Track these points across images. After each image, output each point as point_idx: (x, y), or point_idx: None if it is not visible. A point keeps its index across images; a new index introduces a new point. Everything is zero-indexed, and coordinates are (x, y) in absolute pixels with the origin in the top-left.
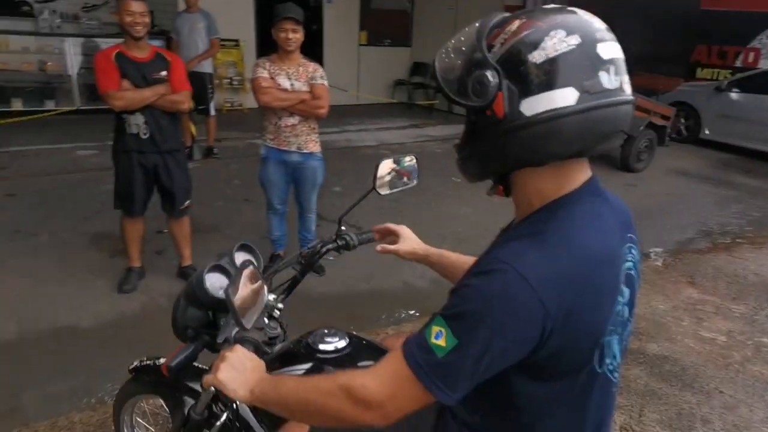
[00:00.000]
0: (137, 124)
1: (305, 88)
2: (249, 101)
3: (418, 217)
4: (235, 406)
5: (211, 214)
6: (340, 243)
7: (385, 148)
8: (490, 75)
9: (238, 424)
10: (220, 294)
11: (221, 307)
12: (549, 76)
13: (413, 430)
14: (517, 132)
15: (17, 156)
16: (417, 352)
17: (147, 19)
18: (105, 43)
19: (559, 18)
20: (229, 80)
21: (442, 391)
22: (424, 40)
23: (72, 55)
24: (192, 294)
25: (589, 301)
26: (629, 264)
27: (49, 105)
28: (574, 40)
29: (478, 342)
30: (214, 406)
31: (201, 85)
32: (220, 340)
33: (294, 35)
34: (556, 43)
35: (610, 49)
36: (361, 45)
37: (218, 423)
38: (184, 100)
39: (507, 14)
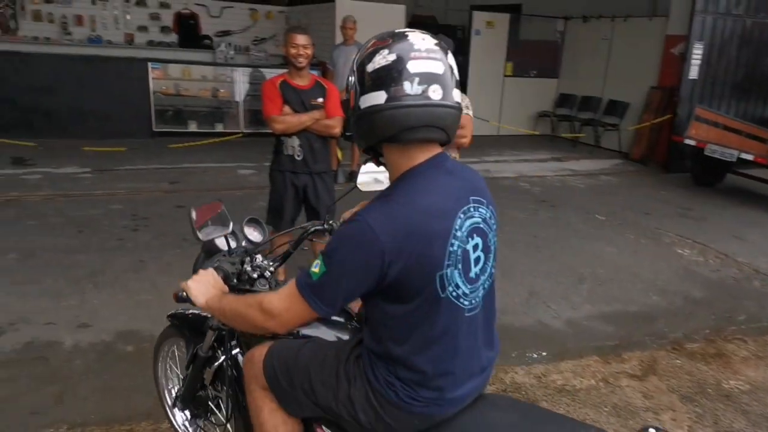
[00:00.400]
0: (293, 146)
1: None
2: None
3: (556, 253)
4: (233, 352)
5: None
6: (326, 227)
7: (525, 180)
8: (351, 77)
9: (230, 363)
10: (225, 249)
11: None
12: (372, 82)
13: (337, 354)
14: (357, 120)
15: (188, 172)
16: (303, 278)
17: (309, 51)
18: (269, 73)
19: (392, 40)
20: None
21: (317, 304)
22: (573, 71)
23: (240, 83)
24: (207, 249)
25: (421, 242)
26: (476, 219)
27: (218, 128)
28: (392, 57)
29: (336, 268)
30: (217, 351)
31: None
32: (204, 268)
33: None
34: (380, 58)
35: (421, 65)
36: (506, 76)
37: (215, 364)
38: (336, 125)
39: (387, 33)
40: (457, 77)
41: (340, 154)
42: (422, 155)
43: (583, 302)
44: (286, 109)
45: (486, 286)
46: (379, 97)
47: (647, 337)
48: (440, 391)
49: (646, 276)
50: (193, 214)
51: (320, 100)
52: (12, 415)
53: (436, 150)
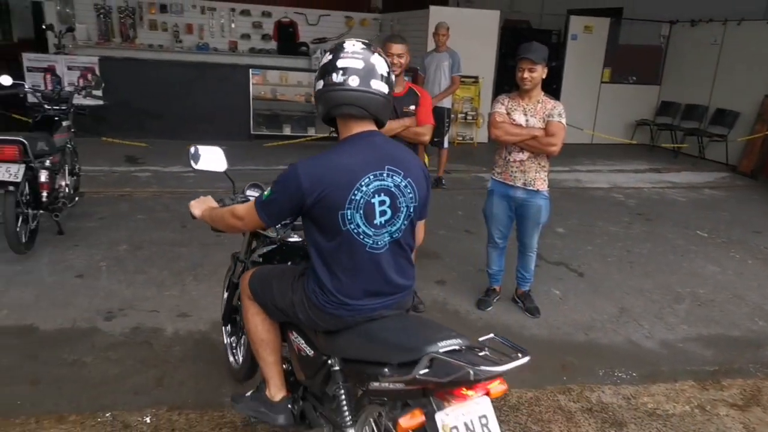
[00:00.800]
0: None
1: (540, 125)
2: (480, 136)
3: (651, 269)
4: None
5: (432, 240)
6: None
7: (619, 191)
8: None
9: None
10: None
11: None
12: (319, 74)
13: (292, 274)
14: (315, 100)
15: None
16: (259, 198)
17: (404, 60)
18: None
19: (337, 45)
20: (464, 115)
21: (263, 216)
22: (678, 77)
23: None
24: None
25: (328, 186)
26: (386, 183)
27: (310, 131)
28: (329, 57)
29: (275, 195)
30: None
31: (439, 119)
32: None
33: (530, 74)
34: (324, 59)
35: (346, 62)
36: (603, 82)
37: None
38: (426, 132)
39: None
40: (380, 71)
41: (426, 160)
42: (356, 129)
43: (679, 323)
44: None
45: (395, 235)
46: (320, 85)
47: (751, 365)
48: (344, 300)
49: (753, 299)
50: (192, 149)
51: (412, 107)
52: (119, 393)
53: (369, 127)
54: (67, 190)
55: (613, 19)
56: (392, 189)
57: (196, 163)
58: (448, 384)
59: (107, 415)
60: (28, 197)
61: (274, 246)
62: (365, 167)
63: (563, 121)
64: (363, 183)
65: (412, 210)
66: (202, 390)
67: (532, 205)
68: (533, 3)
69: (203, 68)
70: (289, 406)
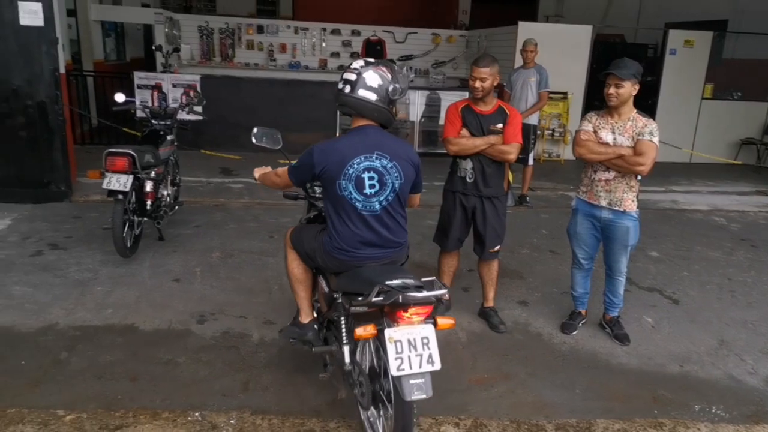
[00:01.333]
0: (465, 168)
1: (628, 143)
2: (567, 152)
3: (756, 300)
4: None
5: (515, 260)
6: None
7: (720, 214)
8: None
9: None
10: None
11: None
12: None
13: (316, 228)
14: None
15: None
16: (291, 164)
17: (487, 84)
18: (445, 95)
19: (350, 64)
20: (551, 131)
21: (291, 177)
22: None
23: (418, 104)
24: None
25: (328, 162)
26: (374, 163)
27: None
28: (342, 71)
29: (299, 163)
30: None
31: (525, 136)
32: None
33: (616, 90)
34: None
35: (345, 74)
36: (704, 98)
37: None
38: (512, 151)
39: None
40: (369, 83)
41: (510, 177)
42: (358, 123)
43: None
44: (464, 132)
45: (383, 203)
46: (343, 88)
47: None
48: (345, 247)
49: None
50: (255, 129)
51: (499, 125)
52: (208, 393)
53: (368, 123)
54: (168, 199)
55: (717, 33)
56: (380, 168)
57: (258, 141)
58: (390, 306)
59: (197, 414)
60: (134, 205)
61: (317, 212)
62: (357, 150)
63: (654, 140)
64: (355, 162)
65: (397, 186)
66: (284, 397)
67: (619, 227)
68: (628, 17)
69: (294, 85)
70: (315, 326)
